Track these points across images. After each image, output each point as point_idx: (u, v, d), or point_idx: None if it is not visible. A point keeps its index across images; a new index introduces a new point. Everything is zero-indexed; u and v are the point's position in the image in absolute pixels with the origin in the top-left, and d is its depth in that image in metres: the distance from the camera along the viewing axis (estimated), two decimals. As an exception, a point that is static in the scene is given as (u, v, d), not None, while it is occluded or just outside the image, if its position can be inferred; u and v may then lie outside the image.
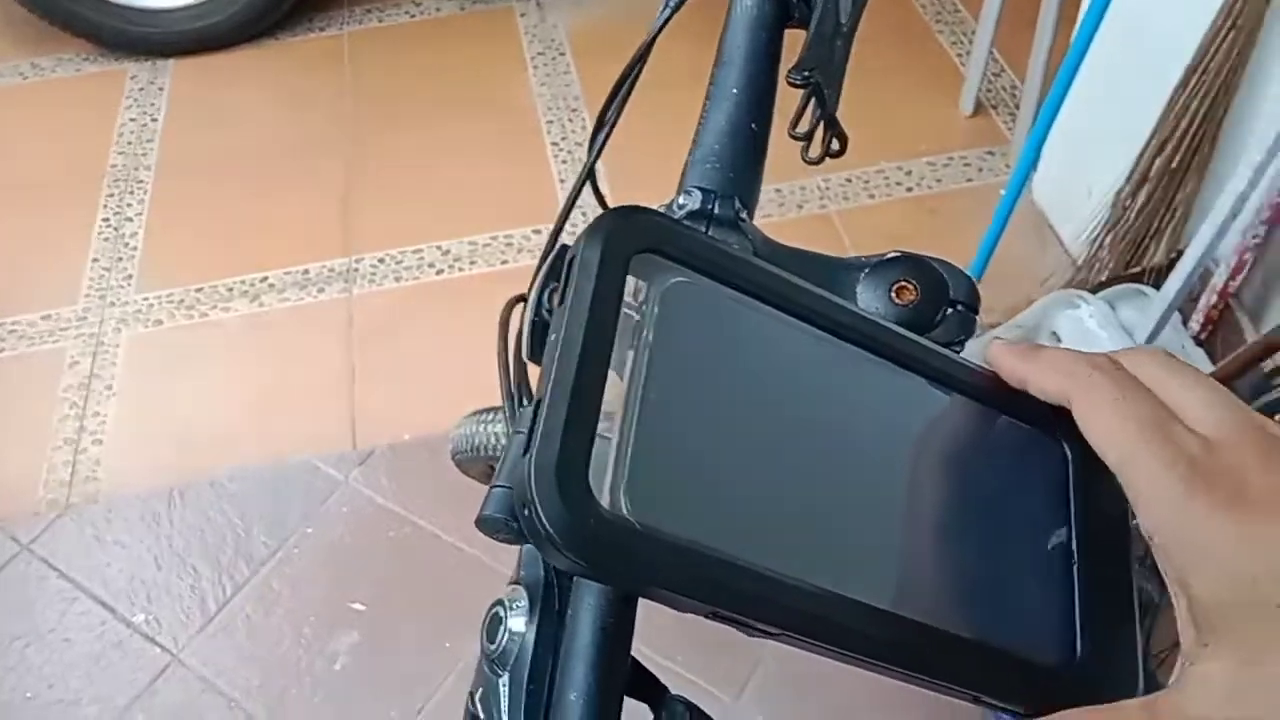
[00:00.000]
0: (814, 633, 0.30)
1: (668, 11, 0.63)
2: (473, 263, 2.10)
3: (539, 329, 0.56)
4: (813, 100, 0.56)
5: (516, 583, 0.48)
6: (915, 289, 0.45)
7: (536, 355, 0.56)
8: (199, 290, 2.05)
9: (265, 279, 2.07)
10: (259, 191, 2.26)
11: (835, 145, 0.58)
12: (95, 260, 2.12)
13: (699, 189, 0.53)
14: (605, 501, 0.29)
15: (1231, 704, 0.26)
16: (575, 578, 0.45)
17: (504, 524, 0.41)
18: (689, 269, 0.33)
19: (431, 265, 2.09)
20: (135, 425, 1.85)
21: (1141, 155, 1.67)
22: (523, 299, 0.67)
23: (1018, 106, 2.26)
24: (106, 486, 1.76)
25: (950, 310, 0.44)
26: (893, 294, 0.45)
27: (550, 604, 0.46)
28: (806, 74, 0.53)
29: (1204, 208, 1.68)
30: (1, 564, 1.66)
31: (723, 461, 0.31)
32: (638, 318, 0.33)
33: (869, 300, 0.45)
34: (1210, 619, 0.28)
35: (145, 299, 2.04)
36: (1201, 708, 0.27)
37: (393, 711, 1.50)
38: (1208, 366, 1.61)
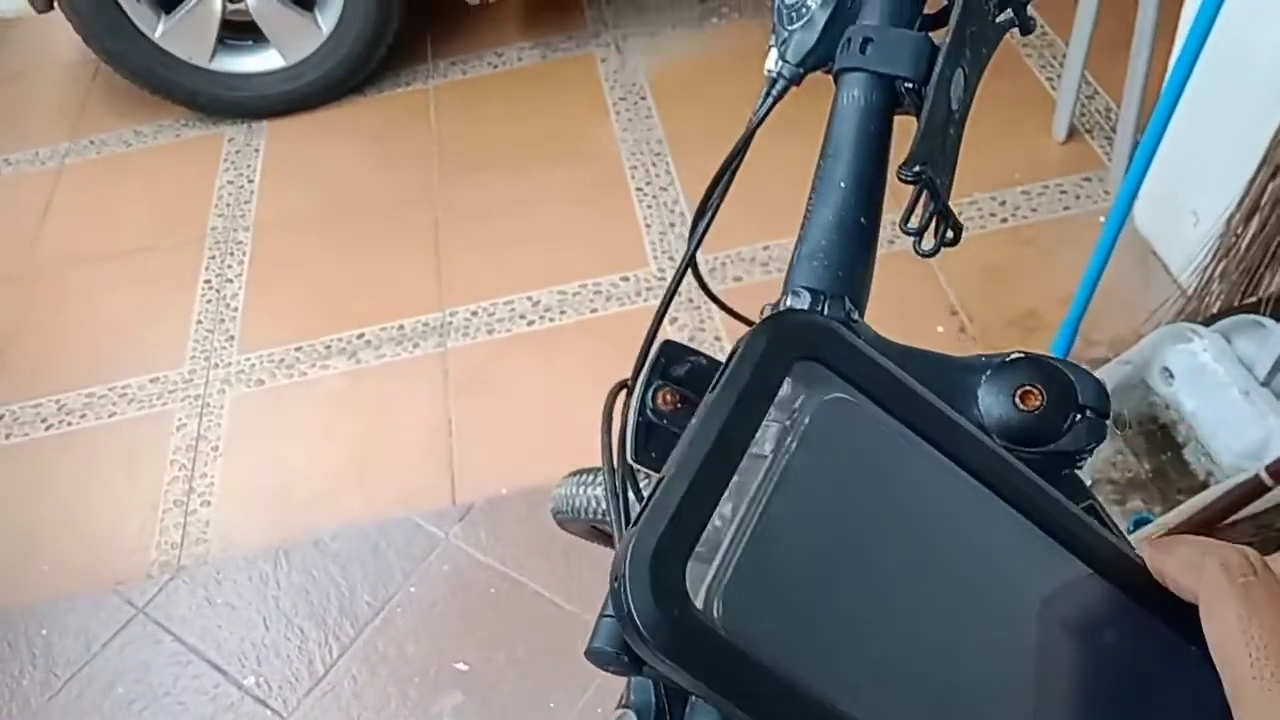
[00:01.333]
0: None
1: (770, 101, 0.62)
2: (562, 312, 2.10)
3: (643, 430, 0.55)
4: (925, 193, 0.54)
5: (626, 707, 0.47)
6: (1041, 394, 0.42)
7: (642, 456, 0.55)
8: (298, 349, 2.10)
9: (362, 335, 2.10)
10: (353, 248, 2.31)
11: (949, 235, 0.56)
12: (199, 322, 2.18)
13: (807, 289, 0.52)
14: (699, 600, 0.28)
15: None
16: (690, 706, 0.44)
17: (614, 657, 0.40)
18: (852, 386, 0.31)
19: (523, 316, 2.10)
20: (241, 486, 1.89)
21: (1254, 179, 1.60)
22: (625, 386, 0.66)
23: (1114, 130, 2.19)
24: (215, 548, 1.80)
25: (1079, 416, 0.41)
26: (1017, 399, 0.43)
27: None
28: (918, 170, 0.51)
29: (1323, 232, 1.60)
30: (119, 627, 1.70)
31: (834, 594, 0.30)
32: (786, 424, 0.31)
33: (991, 405, 0.43)
34: None
35: (247, 359, 2.09)
36: None
37: (499, 773, 1.49)
38: (1336, 402, 1.53)
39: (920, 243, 0.55)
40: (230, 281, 2.26)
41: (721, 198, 0.64)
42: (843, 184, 0.53)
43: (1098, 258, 1.75)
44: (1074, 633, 0.31)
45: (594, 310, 2.10)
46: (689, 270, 0.64)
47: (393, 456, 1.91)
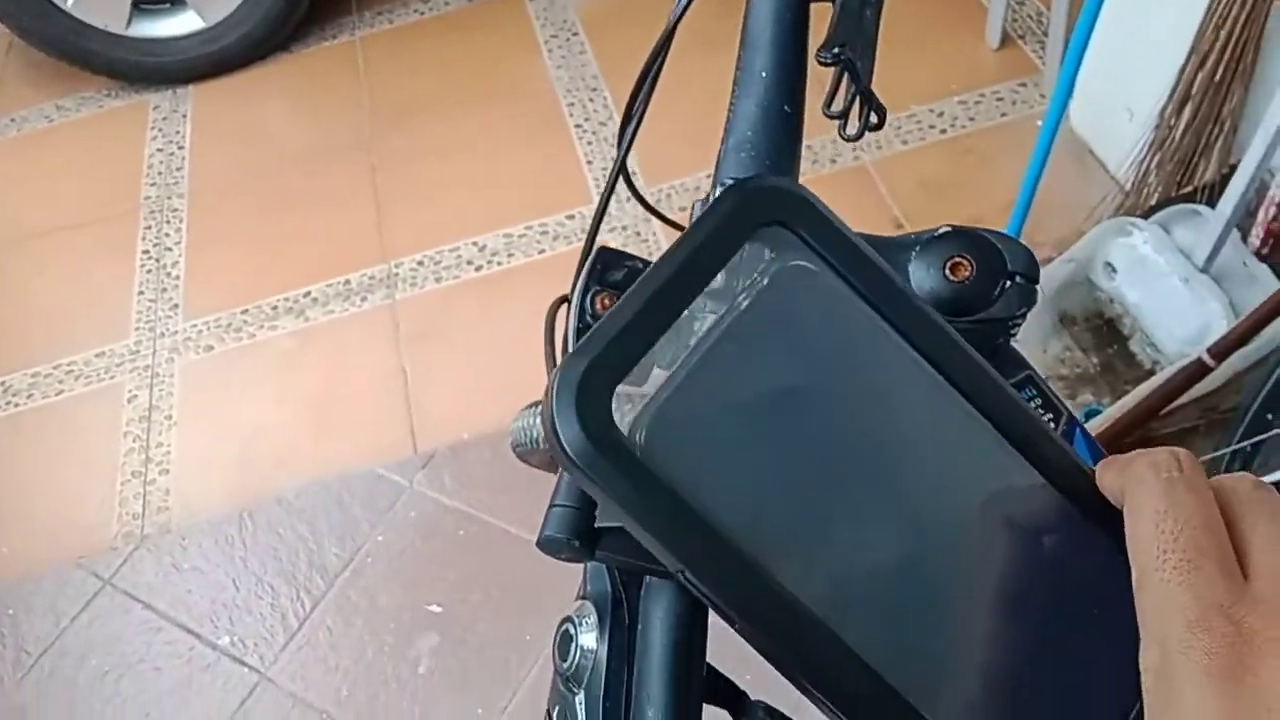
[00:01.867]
0: (772, 643, 0.28)
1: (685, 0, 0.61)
2: (510, 255, 2.09)
3: (584, 335, 0.55)
4: (845, 76, 0.54)
5: (584, 598, 0.47)
6: (970, 264, 0.43)
7: None
8: (244, 312, 2.07)
9: (308, 293, 2.08)
10: (291, 206, 2.27)
11: (873, 119, 0.56)
12: (141, 293, 2.14)
13: (736, 180, 0.51)
14: (624, 427, 0.28)
15: None
16: (643, 588, 0.44)
17: (565, 543, 0.40)
18: (817, 255, 0.31)
19: (470, 262, 2.09)
20: (199, 452, 1.87)
21: (1182, 70, 1.62)
22: (566, 300, 0.66)
23: (1045, 34, 2.20)
24: (178, 515, 1.79)
25: (1008, 283, 0.42)
26: (947, 271, 0.43)
27: (620, 618, 0.45)
28: (836, 51, 0.50)
29: (1253, 118, 1.62)
30: (87, 600, 1.69)
31: (759, 445, 0.30)
32: (743, 282, 0.31)
33: (922, 279, 0.43)
34: None
35: (193, 326, 2.06)
36: None
37: (479, 709, 1.51)
38: (1272, 283, 1.57)
39: (845, 127, 0.55)
40: (169, 250, 2.22)
41: (646, 102, 0.63)
42: (764, 74, 0.53)
43: (1035, 161, 1.76)
44: (1011, 533, 0.31)
45: (542, 251, 2.09)
46: (619, 179, 0.64)
47: (350, 411, 1.90)
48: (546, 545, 0.41)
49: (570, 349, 0.55)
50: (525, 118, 2.35)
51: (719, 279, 0.30)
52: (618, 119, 2.28)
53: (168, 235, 2.25)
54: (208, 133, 2.48)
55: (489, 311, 2.01)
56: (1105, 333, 1.74)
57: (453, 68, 2.51)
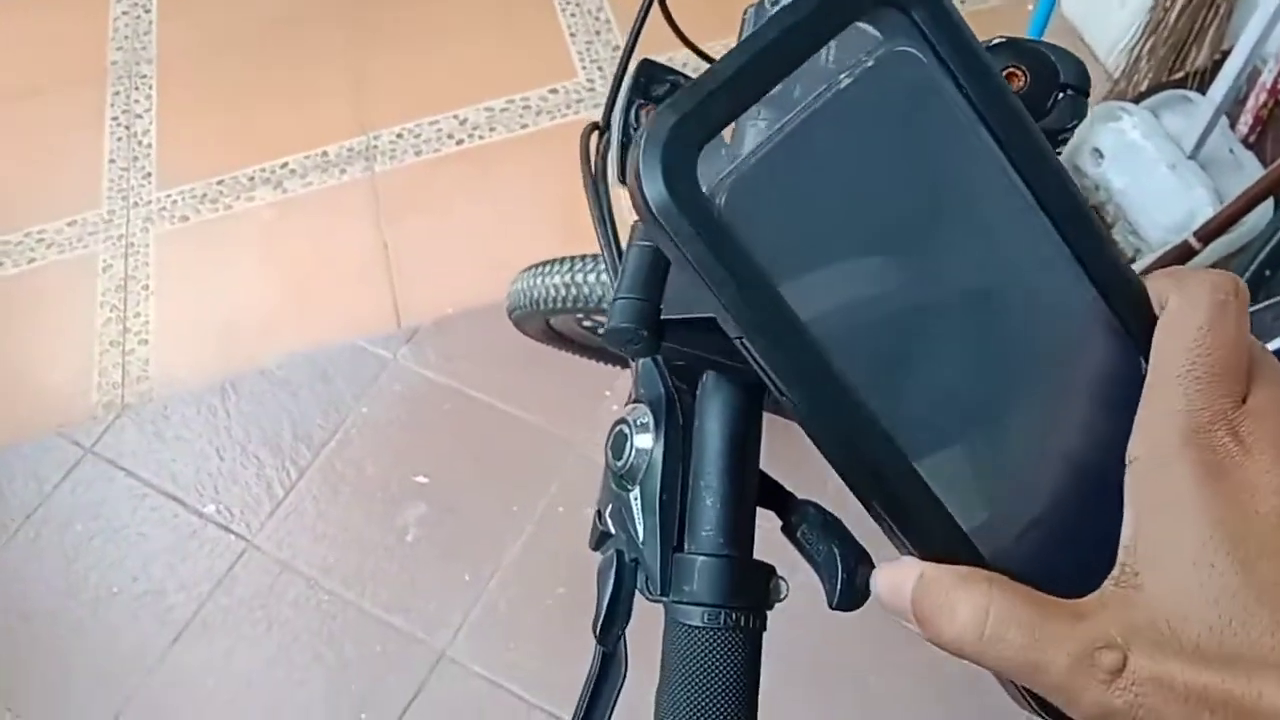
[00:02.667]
0: (816, 412, 0.28)
1: None
2: (492, 129, 2.05)
3: (628, 149, 0.55)
4: None
5: (637, 401, 0.48)
6: (1024, 75, 0.42)
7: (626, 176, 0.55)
8: (220, 182, 2.02)
9: (285, 164, 2.03)
10: (264, 74, 2.20)
11: None
12: (112, 161, 2.09)
13: None
14: (706, 187, 0.28)
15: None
16: (701, 386, 0.45)
17: (634, 333, 0.40)
18: (928, 46, 0.30)
19: (450, 136, 2.05)
20: (178, 322, 1.86)
21: (1182, -48, 1.60)
22: (598, 127, 0.65)
23: (1042, -86, 2.16)
24: (159, 384, 1.78)
25: (1061, 95, 0.42)
26: None
27: (674, 418, 0.46)
28: None
29: (1247, 3, 1.61)
30: (69, 468, 1.69)
31: (836, 223, 0.30)
32: (848, 63, 0.30)
33: None
34: (1148, 561, 0.27)
35: (168, 195, 2.02)
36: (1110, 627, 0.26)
37: (466, 575, 1.54)
38: (1257, 169, 1.58)
39: None
40: (139, 117, 2.15)
41: None
42: None
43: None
44: (1056, 334, 0.31)
45: (524, 126, 2.05)
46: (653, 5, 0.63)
47: (331, 285, 1.88)
48: (614, 335, 0.41)
49: (610, 168, 0.54)
50: (508, -13, 2.29)
51: (824, 53, 0.30)
52: (603, -9, 2.23)
53: (137, 102, 2.18)
54: (176, -4, 2.39)
55: (470, 186, 1.98)
56: (1088, 219, 1.75)
57: (431, -66, 2.42)
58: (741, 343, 0.28)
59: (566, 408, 1.67)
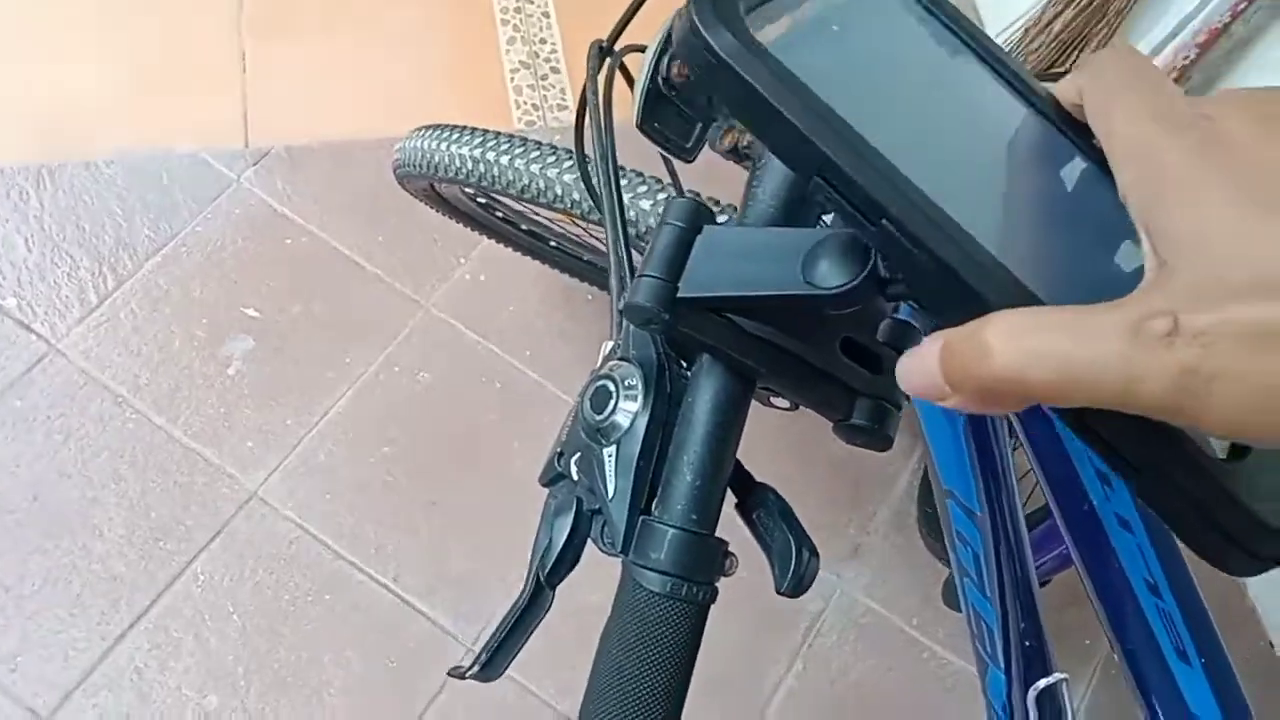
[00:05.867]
0: (905, 219, 0.31)
1: None
2: (379, -44, 1.92)
3: (652, 97, 0.53)
4: None
5: (623, 359, 0.48)
6: None
7: (646, 126, 0.54)
8: (62, -59, 1.80)
9: (142, -63, 1.83)
10: None
11: None
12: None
13: None
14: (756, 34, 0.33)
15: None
16: (696, 368, 0.46)
17: (655, 314, 0.41)
18: None
19: (333, -48, 1.90)
20: (1, 91, 1.66)
21: (1089, -45, 1.66)
22: (602, 46, 0.63)
23: (963, -125, 2.19)
24: (-38, 154, 1.60)
25: None
26: None
27: (663, 387, 0.47)
28: None
29: (1138, 18, 1.71)
30: None
31: (867, 66, 0.35)
32: None
33: None
34: (1171, 247, 0.27)
35: (-3, -59, 1.78)
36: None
37: (288, 419, 1.49)
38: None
39: None
40: None
41: None
42: None
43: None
44: (1024, 159, 0.36)
45: (415, -44, 1.93)
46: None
47: (180, 88, 1.72)
48: (634, 312, 0.41)
49: (637, 106, 0.53)
50: None
51: None
52: None
53: None
54: None
55: (345, 14, 1.85)
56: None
57: None
58: (822, 175, 0.31)
59: (417, 266, 1.62)
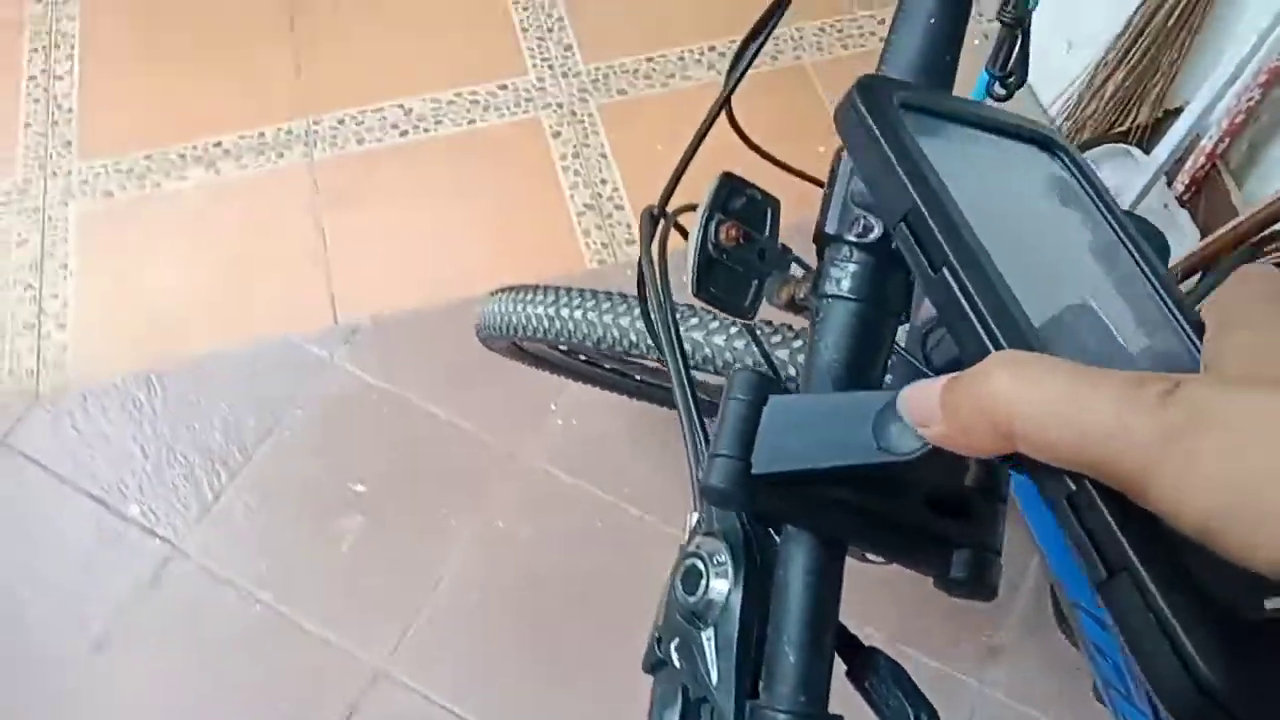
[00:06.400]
0: (970, 282, 0.33)
1: None
2: (438, 122, 2.00)
3: (704, 264, 0.54)
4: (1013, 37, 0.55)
5: (709, 534, 0.48)
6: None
7: (702, 292, 0.55)
8: (148, 158, 1.93)
9: (219, 144, 1.95)
10: (200, 44, 2.10)
11: (1017, 81, 0.59)
12: (28, 125, 1.97)
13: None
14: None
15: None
16: (783, 538, 0.45)
17: (730, 494, 0.41)
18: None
19: (395, 126, 1.99)
20: (99, 307, 1.77)
21: (1134, 15, 1.65)
22: (654, 212, 0.64)
23: (993, -51, 2.20)
24: (78, 374, 1.69)
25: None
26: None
27: (753, 559, 0.46)
28: (1016, 13, 0.53)
29: (1191, 67, 1.68)
30: (-22, 459, 1.60)
31: (988, 176, 0.39)
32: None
33: None
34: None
35: (90, 168, 1.91)
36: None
37: (405, 591, 1.52)
38: (1192, 228, 1.65)
39: (999, 84, 0.58)
40: (60, 79, 2.03)
41: (766, 38, 0.61)
42: (932, 20, 0.52)
43: (981, 83, 1.78)
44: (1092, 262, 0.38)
45: (471, 121, 2.01)
46: (723, 110, 0.62)
47: (265, 276, 1.81)
48: (711, 494, 0.41)
49: (688, 277, 0.54)
50: (456, -26, 2.22)
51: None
52: (558, -16, 2.19)
53: (58, 62, 2.06)
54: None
55: (415, 180, 1.93)
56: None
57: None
58: (906, 219, 0.35)
59: (509, 419, 1.65)
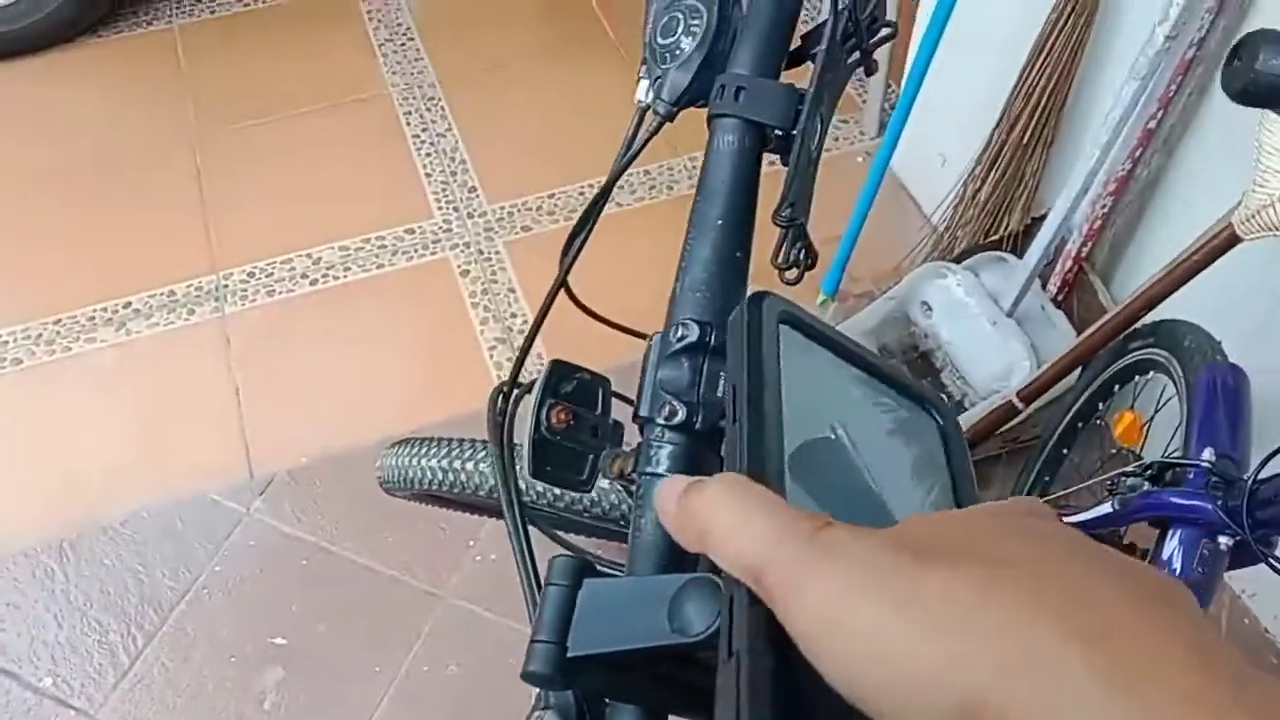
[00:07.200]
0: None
1: (642, 134, 0.65)
2: (347, 269, 2.05)
3: (540, 447, 0.59)
4: (792, 233, 0.60)
5: (546, 707, 0.51)
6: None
7: (538, 472, 0.59)
8: (57, 322, 1.94)
9: (128, 304, 1.97)
10: (105, 206, 2.14)
11: (810, 264, 0.63)
12: (-65, 299, 1.98)
13: (695, 321, 0.56)
14: None
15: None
16: (609, 708, 0.49)
17: (550, 679, 0.44)
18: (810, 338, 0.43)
19: (304, 276, 2.04)
20: (8, 474, 1.76)
21: (994, 132, 1.77)
22: (503, 391, 0.69)
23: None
24: (-12, 545, 1.67)
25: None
26: None
27: None
28: (789, 214, 0.57)
29: (1052, 178, 1.80)
30: (-117, 642, 1.56)
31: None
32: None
33: None
34: None
35: (-2, 338, 1.92)
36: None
37: (329, 742, 1.50)
38: (1067, 327, 1.75)
39: (785, 273, 0.62)
40: (-34, 250, 2.05)
41: (595, 221, 0.67)
42: (719, 221, 0.57)
43: (863, 200, 1.89)
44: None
45: (380, 266, 2.06)
46: (559, 292, 0.67)
47: (179, 432, 1.82)
48: (529, 678, 0.44)
49: (527, 459, 0.58)
50: (361, 124, 2.31)
51: None
52: (457, 130, 2.29)
53: (-37, 235, 2.08)
54: (6, 121, 2.30)
55: (325, 328, 1.97)
56: (920, 365, 1.89)
57: (282, 64, 2.43)
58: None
59: (429, 558, 1.66)
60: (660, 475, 0.50)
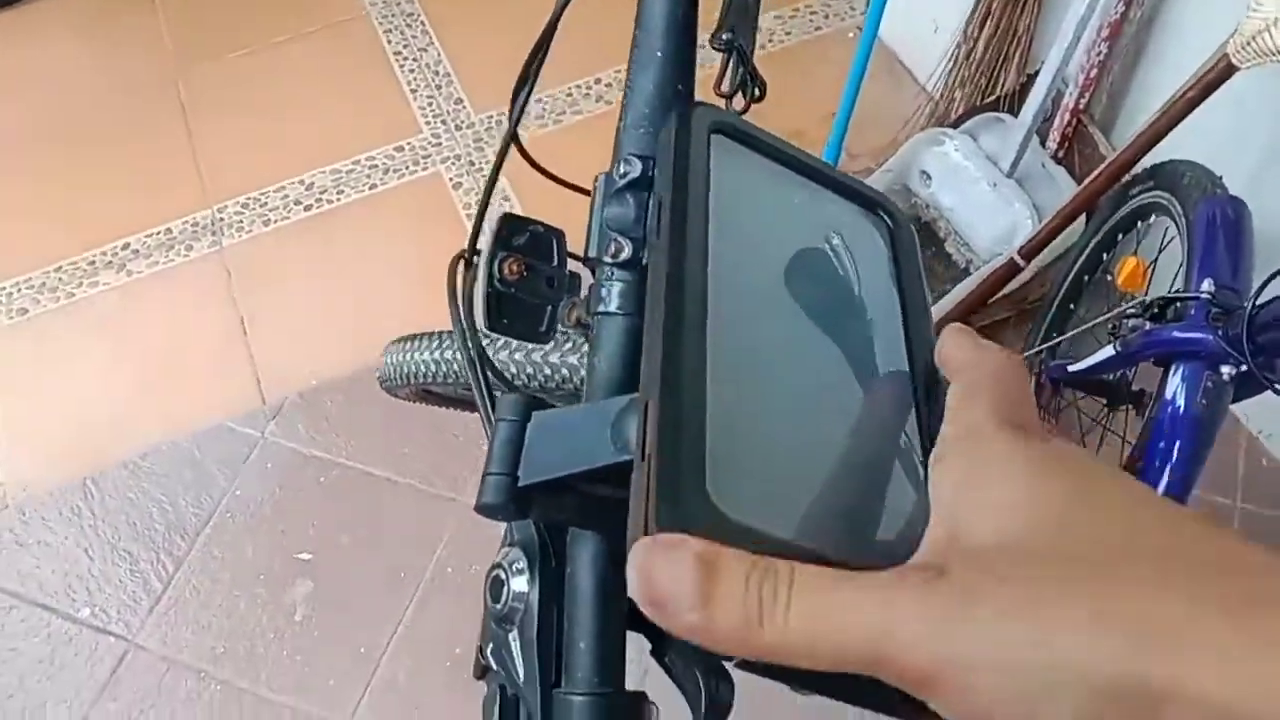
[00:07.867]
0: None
1: None
2: (340, 193, 2.04)
3: (494, 299, 0.58)
4: (734, 58, 0.58)
5: (512, 544, 0.51)
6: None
7: (494, 324, 0.59)
8: (58, 270, 1.95)
9: (127, 245, 1.97)
10: (94, 151, 2.13)
11: (756, 93, 0.61)
12: (-64, 255, 1.99)
13: (637, 156, 0.55)
14: None
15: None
16: (569, 538, 0.49)
17: (502, 507, 0.44)
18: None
19: (298, 202, 2.03)
20: (27, 422, 1.78)
21: (982, -13, 1.72)
22: (464, 258, 0.68)
23: (852, -53, 2.28)
24: (12, 491, 1.70)
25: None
26: None
27: (547, 562, 0.49)
28: (727, 37, 0.55)
29: (1047, 31, 1.75)
30: (-78, 588, 1.60)
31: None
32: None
33: None
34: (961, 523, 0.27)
35: (2, 289, 1.93)
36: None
37: (362, 648, 1.53)
38: (1068, 182, 1.71)
39: (731, 103, 0.60)
40: (-39, 205, 2.06)
41: (540, 66, 0.65)
42: (659, 54, 0.55)
43: (854, 74, 1.84)
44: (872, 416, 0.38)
45: (373, 186, 2.05)
46: (510, 146, 0.66)
47: (189, 367, 1.83)
48: (485, 510, 0.44)
49: (477, 311, 0.58)
50: (341, 47, 2.28)
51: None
52: (439, 44, 2.25)
53: (-42, 190, 2.08)
54: (-13, 74, 2.29)
55: (324, 252, 1.97)
56: (923, 236, 1.86)
57: (256, -6, 2.39)
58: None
59: (443, 465, 1.68)
60: (612, 314, 0.49)
